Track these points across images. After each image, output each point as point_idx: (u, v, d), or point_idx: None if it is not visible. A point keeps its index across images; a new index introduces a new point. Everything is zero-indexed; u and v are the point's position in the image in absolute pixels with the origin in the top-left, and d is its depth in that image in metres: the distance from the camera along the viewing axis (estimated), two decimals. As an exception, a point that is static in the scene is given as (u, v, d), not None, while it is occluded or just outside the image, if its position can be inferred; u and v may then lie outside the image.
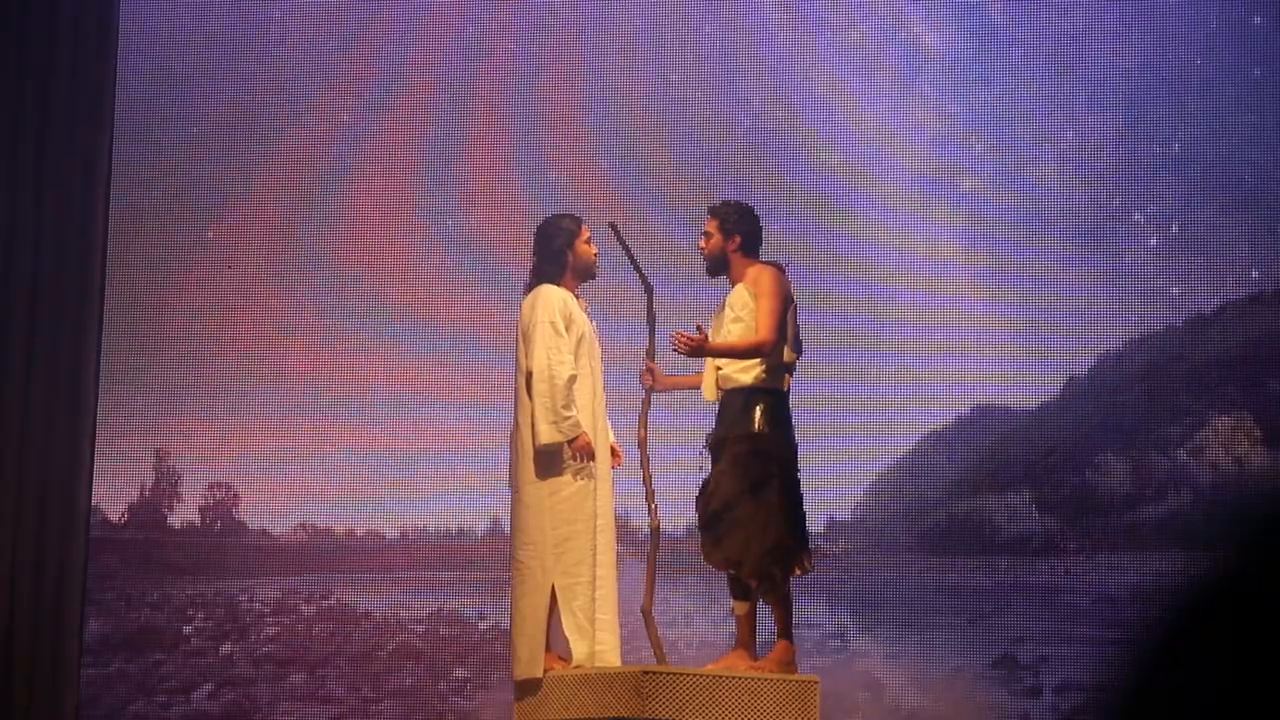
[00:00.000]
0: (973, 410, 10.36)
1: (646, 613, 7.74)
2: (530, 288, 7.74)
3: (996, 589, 10.28)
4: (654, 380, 7.83)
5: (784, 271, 7.70)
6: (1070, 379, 10.37)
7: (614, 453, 7.82)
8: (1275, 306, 10.38)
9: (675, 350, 7.46)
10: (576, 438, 7.50)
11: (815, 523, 7.69)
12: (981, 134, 10.53)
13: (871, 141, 10.48)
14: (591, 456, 7.57)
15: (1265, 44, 10.43)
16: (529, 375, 7.54)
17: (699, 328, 7.49)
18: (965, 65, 10.55)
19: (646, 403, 7.84)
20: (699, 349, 7.44)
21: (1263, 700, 2.09)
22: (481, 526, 10.41)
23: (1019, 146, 10.50)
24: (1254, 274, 10.36)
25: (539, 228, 7.88)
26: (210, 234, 10.56)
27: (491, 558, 10.15)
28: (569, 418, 7.47)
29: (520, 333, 7.66)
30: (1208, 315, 10.35)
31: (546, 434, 7.48)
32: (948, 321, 10.31)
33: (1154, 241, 10.41)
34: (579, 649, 7.44)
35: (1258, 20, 10.43)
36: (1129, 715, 2.18)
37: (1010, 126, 10.52)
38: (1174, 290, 10.34)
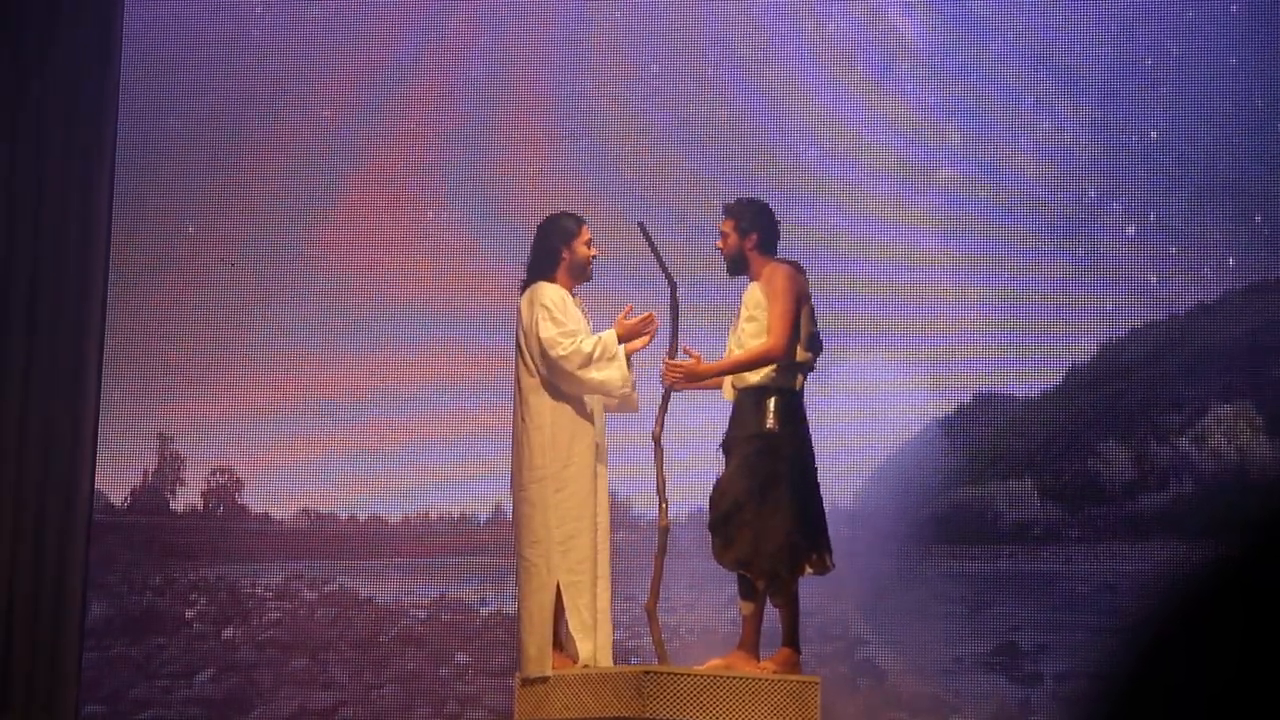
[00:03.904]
0: (974, 398, 10.35)
1: (650, 612, 7.73)
2: (525, 285, 7.72)
3: (998, 576, 10.29)
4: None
5: (800, 270, 7.68)
6: (1072, 367, 10.36)
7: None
8: (1277, 294, 10.36)
9: (665, 382, 7.50)
10: (620, 340, 7.57)
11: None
12: (959, 124, 10.51)
13: (852, 133, 10.46)
14: (648, 326, 7.63)
15: (1242, 31, 10.40)
16: (543, 371, 7.52)
17: (688, 351, 7.51)
18: (943, 56, 10.52)
19: (665, 401, 7.80)
20: (693, 374, 7.46)
21: (1263, 690, 2.09)
22: (484, 513, 10.42)
23: (997, 137, 10.47)
24: (1231, 262, 10.34)
25: (540, 224, 7.86)
26: (214, 223, 10.56)
27: (494, 544, 10.18)
28: (595, 348, 7.49)
29: (520, 333, 7.62)
30: (1209, 303, 10.34)
31: (607, 380, 7.51)
32: (944, 311, 10.30)
33: (1131, 230, 10.39)
34: (584, 647, 7.45)
35: (1234, 8, 10.40)
36: (1129, 703, 2.18)
37: (988, 116, 10.49)
38: (1151, 279, 10.32)
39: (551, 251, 7.71)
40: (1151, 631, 2.19)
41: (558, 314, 7.55)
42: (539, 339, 7.51)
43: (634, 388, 7.72)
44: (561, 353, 7.49)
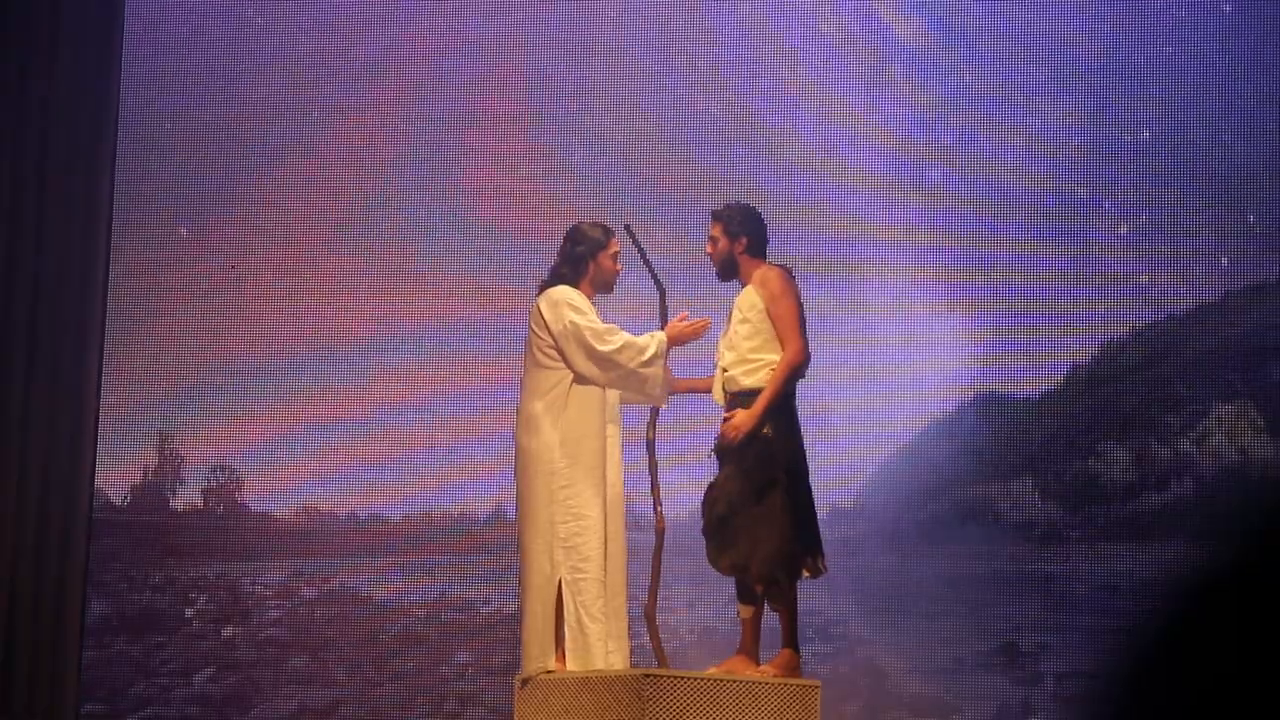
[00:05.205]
0: (975, 398, 10.35)
1: (649, 615, 7.73)
2: (545, 286, 7.69)
3: (998, 577, 10.28)
4: None
5: (791, 273, 7.66)
6: (1072, 367, 10.36)
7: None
8: (1277, 294, 10.36)
9: (729, 441, 7.41)
10: (668, 343, 7.62)
11: (819, 511, 7.60)
12: (951, 125, 10.51)
13: (844, 134, 10.46)
14: (700, 333, 7.67)
15: (1234, 30, 10.40)
16: (582, 365, 7.51)
17: (729, 416, 7.45)
18: (934, 57, 10.52)
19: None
20: (744, 427, 7.39)
21: (1262, 688, 2.09)
22: (485, 511, 10.41)
23: (990, 137, 10.46)
24: (1225, 261, 10.34)
25: (569, 230, 7.82)
26: (209, 225, 10.57)
27: (495, 542, 10.17)
28: (645, 351, 7.53)
29: (540, 331, 7.58)
30: (1210, 303, 10.33)
31: (654, 376, 7.57)
32: (943, 311, 10.30)
33: (1125, 230, 10.39)
34: (573, 645, 7.41)
35: (1227, 7, 10.40)
36: (1132, 703, 2.18)
37: (980, 117, 10.49)
38: (1145, 279, 10.31)
39: (578, 259, 7.69)
40: (1154, 632, 2.19)
41: (588, 313, 7.55)
42: (580, 331, 7.47)
43: (666, 387, 7.74)
44: (613, 347, 7.49)
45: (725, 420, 7.42)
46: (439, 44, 10.65)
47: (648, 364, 7.56)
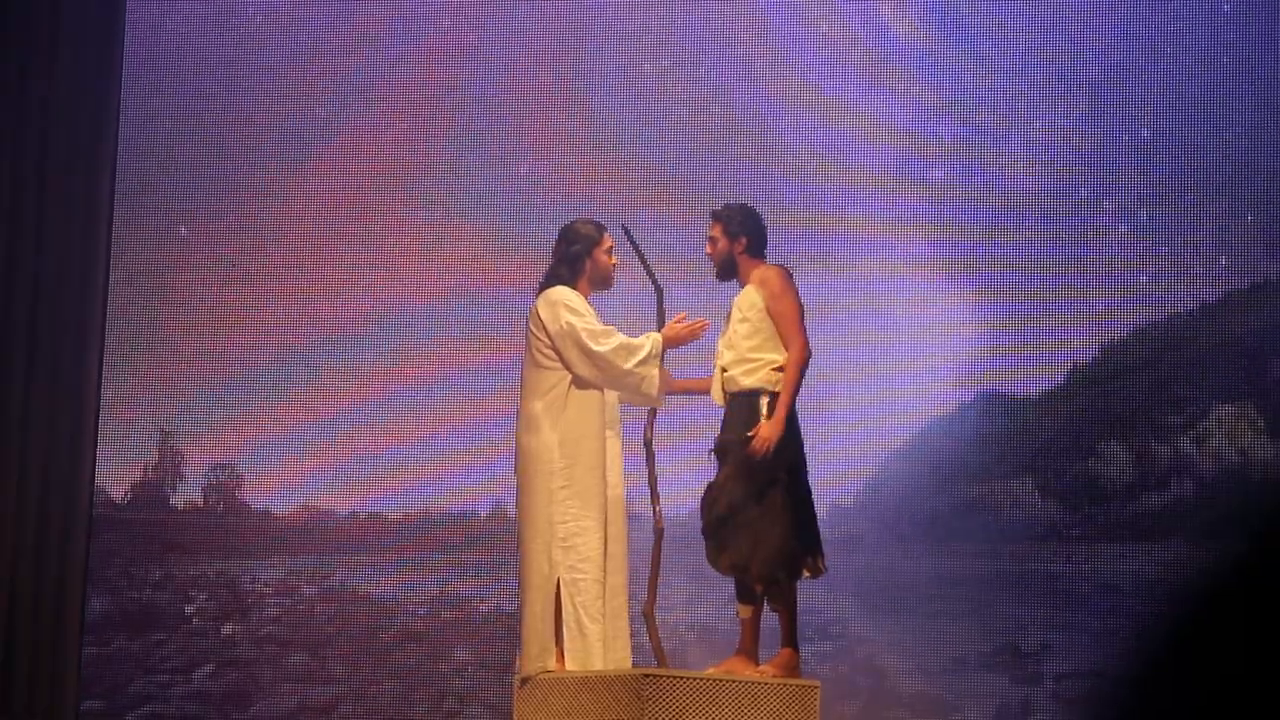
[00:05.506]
0: (976, 397, 10.35)
1: (648, 615, 7.72)
2: (543, 287, 7.69)
3: (999, 576, 10.28)
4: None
5: (790, 273, 7.65)
6: (1072, 367, 10.36)
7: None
8: (1279, 294, 10.36)
9: (759, 453, 7.35)
10: (664, 342, 7.60)
11: (818, 509, 7.59)
12: (952, 124, 10.50)
13: (845, 134, 10.45)
14: (697, 334, 7.65)
15: (1233, 30, 10.40)
16: (579, 366, 7.51)
17: (753, 434, 7.41)
18: (935, 57, 10.51)
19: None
20: (771, 439, 7.35)
21: (1264, 690, 2.09)
22: (484, 508, 10.41)
23: (990, 136, 10.46)
24: (1223, 260, 10.34)
25: (562, 230, 7.82)
26: (208, 224, 10.58)
27: (494, 540, 10.17)
28: (639, 351, 7.51)
29: (538, 332, 7.58)
30: (1211, 303, 10.33)
31: (650, 378, 7.54)
32: (943, 310, 10.30)
33: (1124, 229, 10.39)
34: (571, 646, 7.41)
35: (1226, 8, 10.40)
36: (1133, 703, 2.18)
37: (981, 117, 10.49)
38: (1143, 277, 10.31)
39: (574, 258, 7.69)
40: (1157, 633, 2.19)
41: (585, 314, 7.55)
42: (576, 331, 7.47)
43: (663, 387, 7.73)
44: (608, 347, 7.48)
45: (750, 436, 7.37)
46: (438, 48, 10.65)
47: (643, 364, 7.55)
